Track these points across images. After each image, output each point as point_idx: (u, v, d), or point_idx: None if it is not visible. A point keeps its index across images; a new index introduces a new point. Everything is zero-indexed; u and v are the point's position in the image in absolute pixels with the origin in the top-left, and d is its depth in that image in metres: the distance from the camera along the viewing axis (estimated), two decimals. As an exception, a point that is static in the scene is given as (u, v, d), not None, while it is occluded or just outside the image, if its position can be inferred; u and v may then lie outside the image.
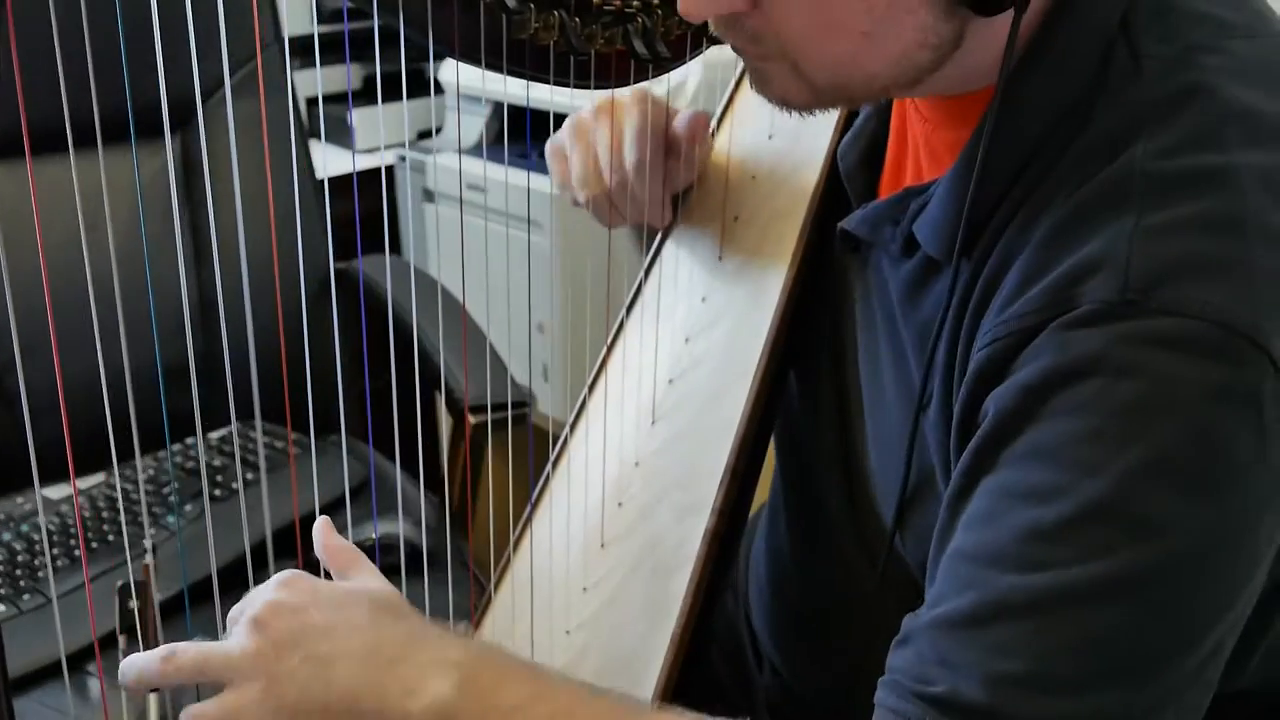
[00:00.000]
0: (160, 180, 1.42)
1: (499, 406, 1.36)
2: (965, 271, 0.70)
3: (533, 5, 0.71)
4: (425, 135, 2.18)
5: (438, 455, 1.71)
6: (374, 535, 1.32)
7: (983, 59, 0.68)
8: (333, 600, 0.68)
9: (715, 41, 0.81)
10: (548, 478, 0.97)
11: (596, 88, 0.79)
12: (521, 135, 1.98)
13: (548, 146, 0.96)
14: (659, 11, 0.76)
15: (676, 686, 0.81)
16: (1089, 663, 0.60)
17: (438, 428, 1.69)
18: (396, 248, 2.00)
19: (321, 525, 0.75)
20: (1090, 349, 0.61)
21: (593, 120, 0.93)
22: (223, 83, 1.34)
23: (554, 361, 1.87)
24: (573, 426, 0.97)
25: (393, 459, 1.48)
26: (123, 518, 1.29)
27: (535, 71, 0.75)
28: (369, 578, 0.72)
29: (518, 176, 1.85)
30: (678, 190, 0.96)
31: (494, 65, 0.73)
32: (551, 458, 0.97)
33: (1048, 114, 0.68)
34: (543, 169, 1.87)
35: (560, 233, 1.74)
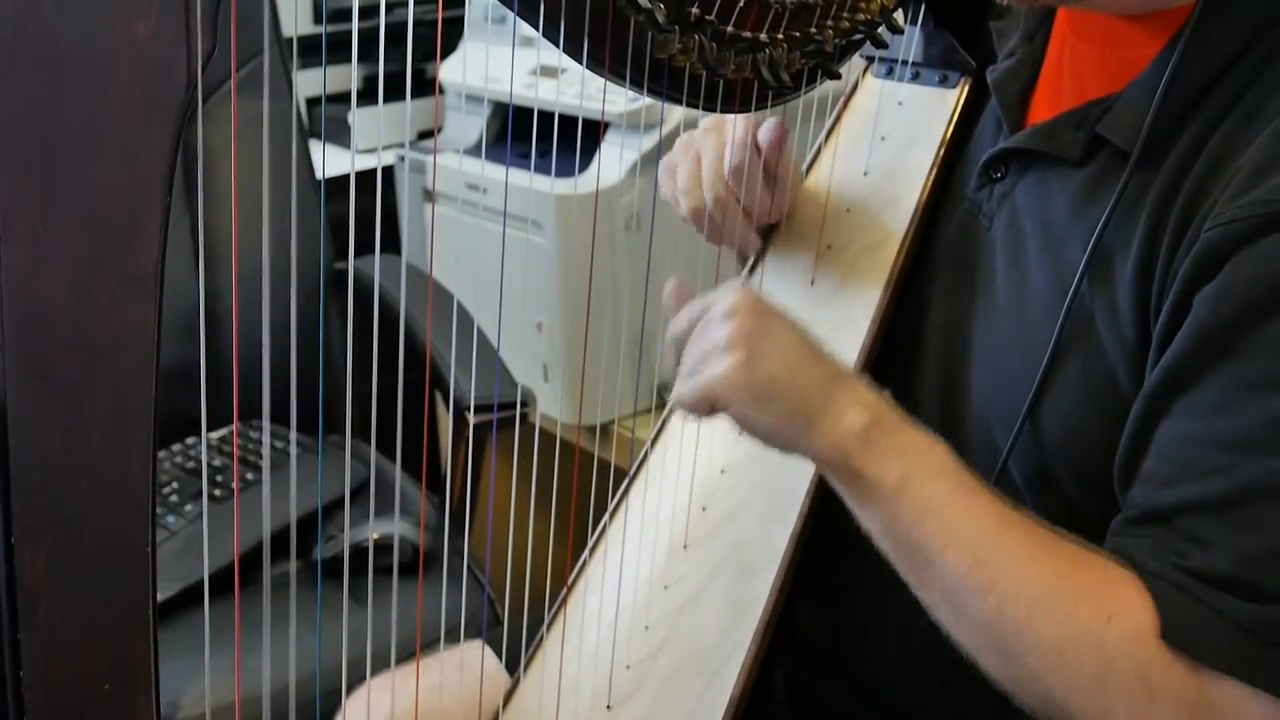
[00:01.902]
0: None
1: (500, 406, 1.36)
2: (1165, 166, 0.73)
3: (678, 27, 0.76)
4: (426, 135, 2.18)
5: (438, 455, 1.71)
6: (373, 535, 1.32)
7: None
8: (784, 317, 0.78)
9: (832, 76, 0.87)
10: (631, 481, 1.00)
11: (723, 110, 0.84)
12: (522, 135, 1.98)
13: (662, 163, 1.00)
14: (784, 45, 0.81)
15: (755, 685, 0.83)
16: None
17: (438, 428, 1.69)
18: (397, 248, 2.00)
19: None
20: None
21: (701, 134, 0.97)
22: (222, 83, 1.34)
23: (554, 361, 1.86)
24: (655, 437, 1.00)
25: (393, 459, 1.48)
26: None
27: (671, 92, 0.80)
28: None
29: (518, 176, 1.85)
30: (772, 217, 0.99)
31: (636, 83, 0.78)
32: (635, 463, 1.00)
33: (1252, 19, 0.73)
34: (542, 169, 1.87)
35: (560, 233, 1.73)
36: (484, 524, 1.48)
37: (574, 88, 1.63)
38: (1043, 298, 0.80)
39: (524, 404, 1.42)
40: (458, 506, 1.44)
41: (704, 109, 0.82)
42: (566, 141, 1.75)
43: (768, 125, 0.95)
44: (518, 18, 0.72)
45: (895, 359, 0.91)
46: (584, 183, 1.80)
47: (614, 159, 1.80)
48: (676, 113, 1.89)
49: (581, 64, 0.75)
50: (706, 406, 0.76)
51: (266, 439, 1.38)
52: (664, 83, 0.79)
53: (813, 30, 0.83)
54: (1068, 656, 0.68)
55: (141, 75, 0.51)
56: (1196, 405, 0.68)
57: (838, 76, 0.88)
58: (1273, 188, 0.66)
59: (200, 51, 0.52)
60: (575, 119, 1.56)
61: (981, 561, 0.71)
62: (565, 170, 1.79)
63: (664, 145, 1.85)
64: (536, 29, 0.73)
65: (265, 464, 1.31)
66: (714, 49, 0.78)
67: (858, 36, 0.86)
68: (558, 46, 0.74)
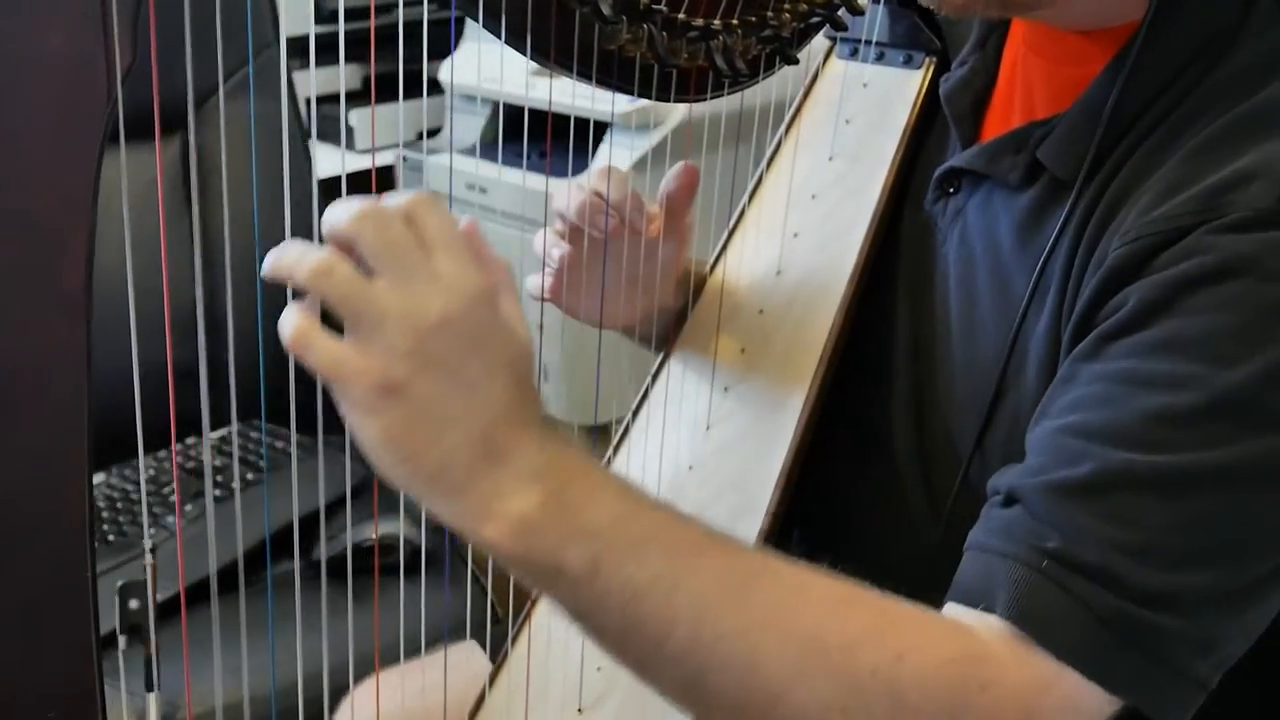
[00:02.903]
0: (163, 180, 1.42)
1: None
2: (1089, 190, 0.73)
3: (625, 17, 0.74)
4: (424, 135, 2.18)
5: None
6: (374, 535, 1.32)
7: None
8: (497, 343, 0.60)
9: (789, 61, 0.85)
10: None
11: (677, 100, 0.82)
12: (521, 136, 1.98)
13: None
14: (739, 31, 0.79)
15: None
16: (1196, 542, 0.63)
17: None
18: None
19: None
20: (1242, 250, 0.64)
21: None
22: (220, 84, 1.34)
23: (554, 361, 1.87)
24: (627, 429, 0.98)
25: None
26: (121, 518, 1.29)
27: (622, 83, 0.77)
28: (519, 317, 0.63)
29: (517, 176, 1.85)
30: (669, 260, 0.95)
31: (584, 74, 0.76)
32: (606, 458, 0.98)
33: (1185, 51, 0.73)
34: (542, 169, 1.87)
35: (560, 233, 1.74)
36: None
37: (572, 88, 1.63)
38: (990, 327, 0.80)
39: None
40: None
41: (657, 99, 0.80)
42: (565, 141, 1.75)
43: (669, 177, 0.91)
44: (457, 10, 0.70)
45: (867, 370, 0.90)
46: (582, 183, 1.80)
47: (613, 159, 1.80)
48: (675, 114, 1.89)
49: (526, 56, 0.73)
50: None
51: (265, 438, 1.38)
52: (614, 74, 0.76)
53: (769, 15, 0.80)
54: (852, 710, 0.61)
55: (58, 90, 0.48)
56: (1077, 401, 0.67)
57: (795, 61, 0.85)
58: (1177, 204, 0.67)
59: (120, 64, 0.49)
60: (575, 119, 1.56)
61: (723, 632, 0.61)
62: (564, 170, 1.80)
63: (662, 146, 1.86)
64: (477, 21, 0.70)
65: (266, 465, 1.31)
66: (665, 38, 0.75)
67: (816, 19, 0.84)
68: (500, 39, 0.72)
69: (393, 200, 0.59)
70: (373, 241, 0.57)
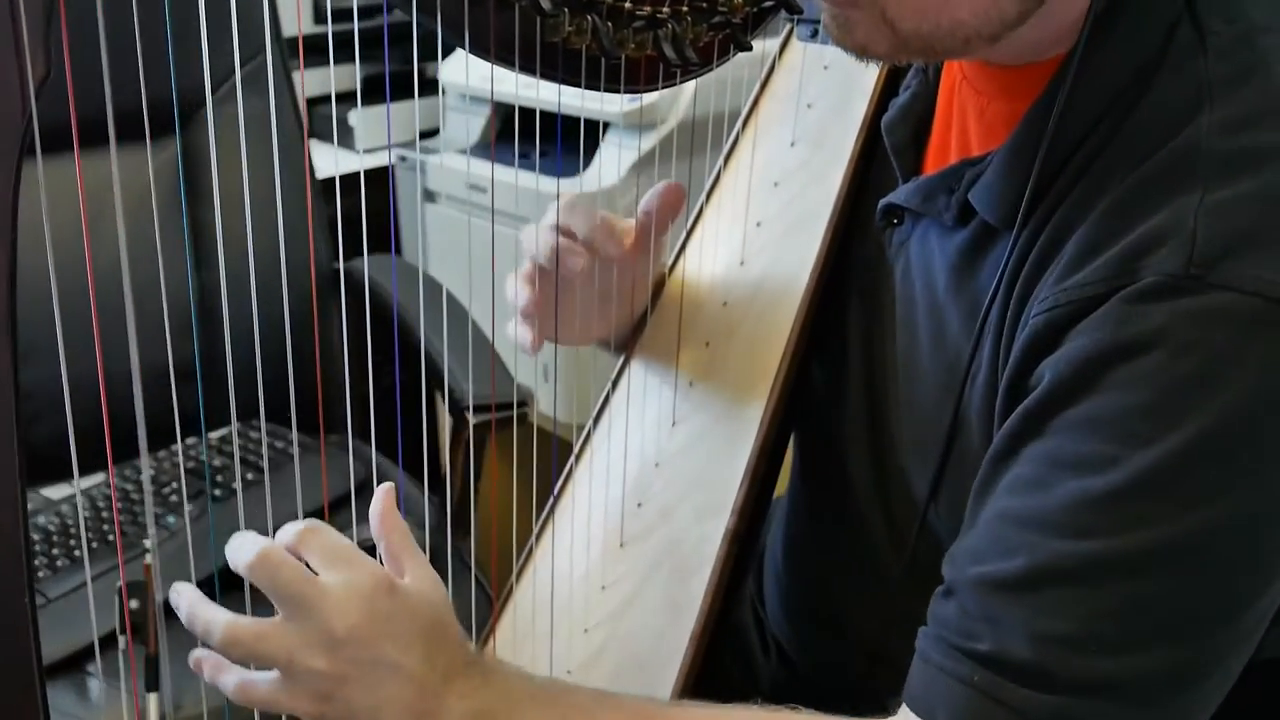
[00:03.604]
0: (160, 180, 1.42)
1: (499, 406, 1.36)
2: (1021, 239, 0.71)
3: (566, 10, 0.72)
4: (426, 135, 2.18)
5: (438, 455, 1.71)
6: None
7: (1059, 24, 0.70)
8: (400, 629, 0.69)
9: (743, 48, 0.83)
10: (567, 477, 0.97)
11: (626, 92, 0.80)
12: (523, 135, 1.98)
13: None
14: (688, 18, 0.77)
15: (695, 682, 0.82)
16: (1134, 626, 0.63)
17: (438, 428, 1.69)
18: (397, 248, 2.00)
19: (384, 493, 0.75)
20: (1152, 324, 0.63)
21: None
22: (221, 84, 1.34)
23: (554, 361, 1.87)
24: (591, 429, 0.98)
25: (394, 459, 1.48)
26: (118, 519, 1.29)
27: (567, 75, 0.76)
28: (422, 576, 0.73)
29: (518, 176, 1.85)
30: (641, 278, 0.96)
31: (527, 68, 0.74)
32: (572, 458, 0.97)
33: (1113, 85, 0.70)
34: (542, 169, 1.87)
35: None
36: (484, 523, 1.48)
37: (574, 88, 1.63)
38: (929, 370, 0.79)
39: (523, 404, 1.42)
40: (458, 506, 1.44)
41: (606, 90, 0.78)
42: (566, 141, 1.75)
43: (648, 198, 0.92)
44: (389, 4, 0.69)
45: (826, 385, 0.90)
46: (583, 183, 1.80)
47: (613, 159, 1.80)
48: (675, 114, 1.89)
49: (465, 50, 0.72)
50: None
51: (265, 439, 1.38)
52: (559, 67, 0.75)
53: (719, 1, 0.78)
54: None
55: None
56: (1013, 483, 0.67)
57: (749, 48, 0.83)
58: (1090, 271, 0.66)
59: (33, 76, 0.48)
60: (575, 119, 1.56)
61: None
62: (565, 170, 1.79)
63: (662, 146, 1.86)
64: (409, 15, 0.69)
65: (265, 464, 1.31)
66: (610, 29, 0.74)
67: (769, 3, 0.81)
68: (436, 32, 0.71)
69: (282, 536, 0.70)
70: (269, 588, 0.68)
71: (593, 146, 1.90)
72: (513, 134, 1.85)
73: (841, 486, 0.90)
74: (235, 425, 1.39)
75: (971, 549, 0.68)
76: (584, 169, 1.89)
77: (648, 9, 0.75)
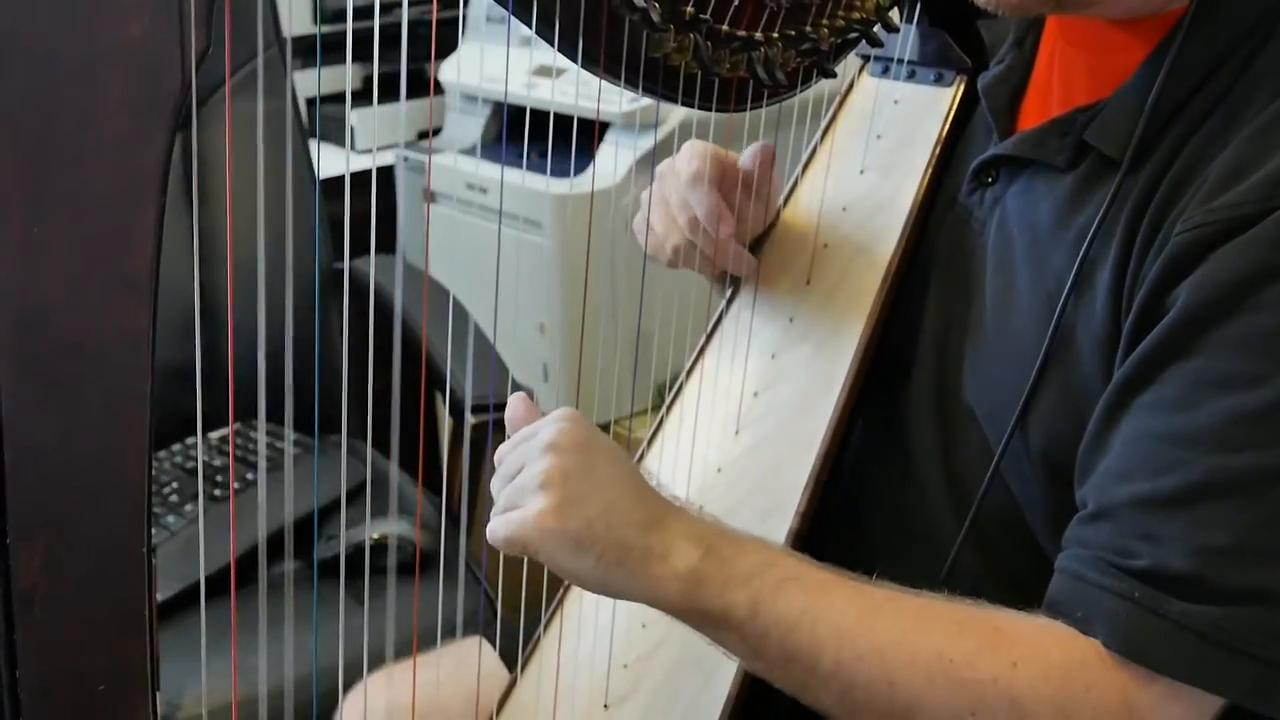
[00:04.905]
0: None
1: (499, 407, 1.36)
2: (1144, 171, 0.74)
3: (672, 26, 0.76)
4: (425, 135, 2.18)
5: (438, 456, 1.71)
6: (372, 535, 1.32)
7: None
8: (610, 452, 0.76)
9: (826, 74, 0.87)
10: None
11: (718, 110, 0.84)
12: (521, 136, 1.98)
13: (634, 224, 1.00)
14: (779, 44, 0.81)
15: (754, 680, 0.83)
16: None
17: (438, 428, 1.69)
18: (396, 248, 2.00)
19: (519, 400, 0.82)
20: None
21: (660, 183, 0.98)
22: (222, 83, 1.34)
23: (554, 361, 1.87)
24: (651, 437, 1.00)
25: (395, 460, 1.48)
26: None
27: (666, 91, 0.80)
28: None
29: (517, 176, 1.85)
30: (756, 230, 0.99)
31: (631, 82, 0.78)
32: (638, 458, 0.99)
33: (1236, 31, 0.73)
34: (542, 169, 1.87)
35: (560, 233, 1.74)
36: (483, 524, 1.48)
37: (573, 88, 1.63)
38: (1028, 305, 0.80)
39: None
40: (457, 506, 1.44)
41: (699, 108, 0.82)
42: (566, 141, 1.75)
43: (748, 153, 0.95)
44: (512, 17, 0.72)
45: (889, 366, 0.91)
46: (583, 183, 1.80)
47: (613, 159, 1.80)
48: (676, 113, 1.89)
49: (577, 63, 0.75)
50: (517, 549, 0.74)
51: (263, 438, 1.38)
52: (659, 82, 0.79)
53: (808, 29, 0.83)
54: (980, 714, 0.69)
55: (135, 75, 0.51)
56: (1155, 403, 0.69)
57: (833, 75, 0.88)
58: (1241, 191, 0.67)
59: (194, 51, 0.51)
60: (574, 119, 1.56)
61: (861, 653, 0.71)
62: (564, 170, 1.80)
63: (663, 146, 1.86)
64: (530, 28, 0.73)
65: (261, 464, 1.31)
66: (709, 47, 0.78)
67: (853, 35, 0.86)
68: (553, 46, 0.74)
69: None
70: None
71: (592, 146, 1.90)
72: (513, 134, 1.85)
73: (902, 458, 0.91)
74: (235, 425, 1.39)
75: (1117, 470, 0.70)
76: (584, 169, 1.89)
77: (744, 32, 0.79)
